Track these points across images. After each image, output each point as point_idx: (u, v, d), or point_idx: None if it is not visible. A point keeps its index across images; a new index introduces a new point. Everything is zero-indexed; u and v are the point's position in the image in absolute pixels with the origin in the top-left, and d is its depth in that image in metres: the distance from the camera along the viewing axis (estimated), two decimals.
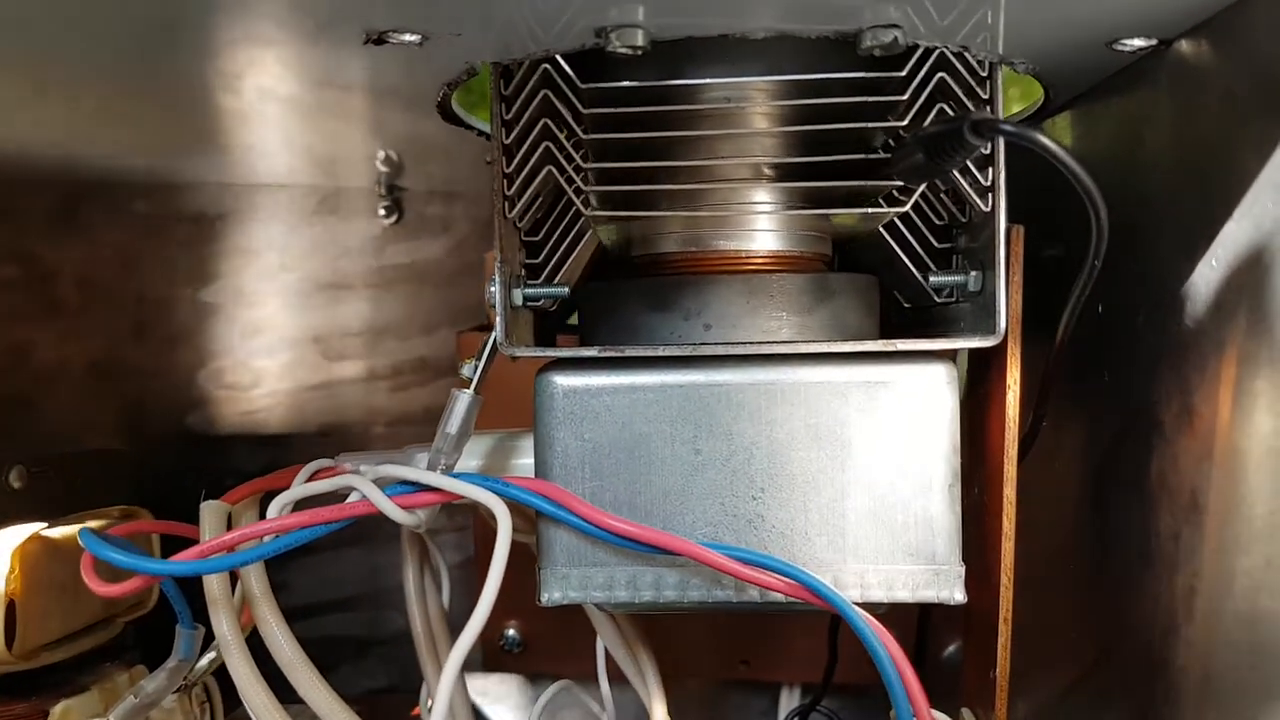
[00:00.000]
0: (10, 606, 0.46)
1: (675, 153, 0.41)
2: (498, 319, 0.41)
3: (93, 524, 0.50)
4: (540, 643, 0.66)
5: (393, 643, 0.73)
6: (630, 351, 0.40)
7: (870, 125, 0.40)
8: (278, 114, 0.54)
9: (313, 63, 0.44)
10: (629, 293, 0.43)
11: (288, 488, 0.44)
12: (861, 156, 0.40)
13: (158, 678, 0.47)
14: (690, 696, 0.66)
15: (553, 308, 0.45)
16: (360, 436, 0.74)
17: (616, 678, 0.52)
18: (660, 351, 0.40)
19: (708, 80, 0.39)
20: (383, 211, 0.73)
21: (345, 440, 0.74)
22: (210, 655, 0.49)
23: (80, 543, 0.40)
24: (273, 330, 0.74)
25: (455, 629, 0.50)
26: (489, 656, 0.67)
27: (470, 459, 0.45)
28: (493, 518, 0.40)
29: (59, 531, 0.50)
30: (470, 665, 0.43)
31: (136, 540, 0.47)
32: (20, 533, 0.48)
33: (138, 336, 0.73)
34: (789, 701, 0.63)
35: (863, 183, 0.40)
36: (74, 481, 0.57)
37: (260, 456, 0.73)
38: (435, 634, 0.54)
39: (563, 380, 0.41)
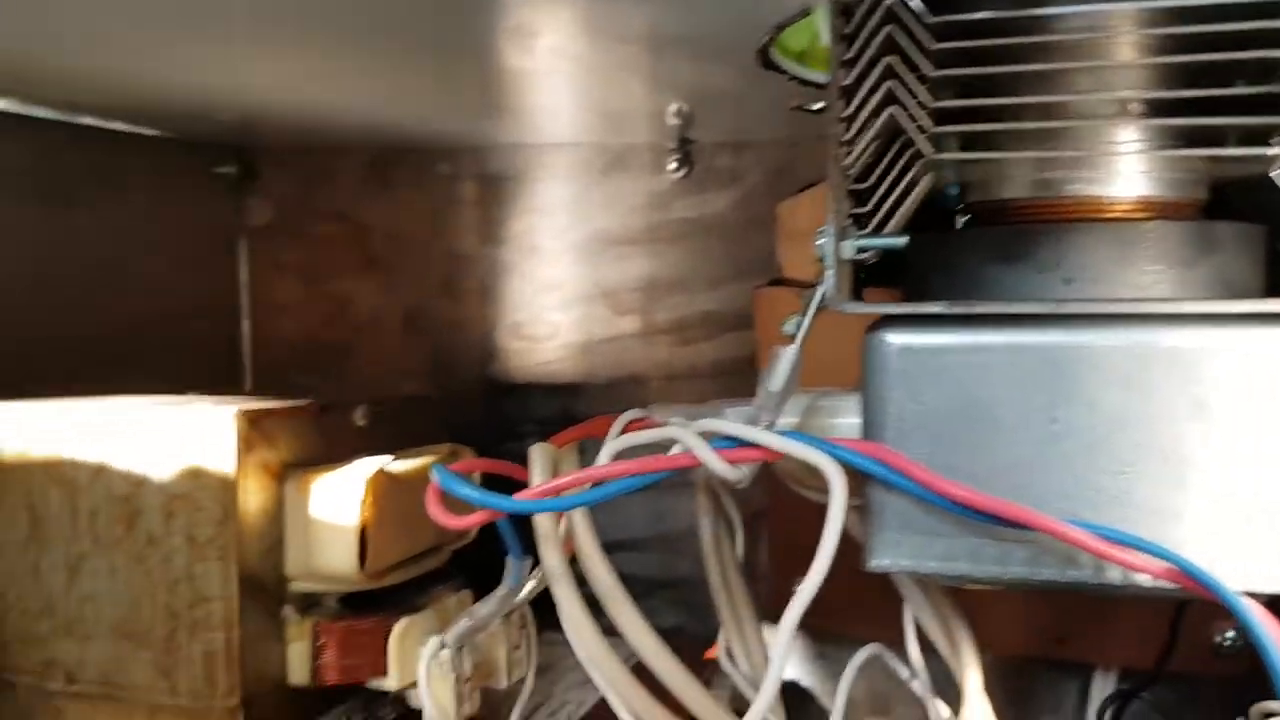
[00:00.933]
0: (363, 531, 0.51)
1: (1032, 88, 0.38)
2: (828, 273, 0.40)
3: (429, 459, 0.54)
4: (829, 601, 0.65)
5: (679, 585, 0.75)
6: (983, 308, 0.37)
7: (1269, 54, 0.34)
8: (569, 72, 0.55)
9: (605, 17, 0.43)
10: (971, 242, 0.40)
11: (602, 435, 0.45)
12: (1262, 90, 0.35)
13: (490, 602, 0.50)
14: (992, 671, 0.63)
15: (875, 260, 0.42)
16: (642, 388, 0.76)
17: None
18: (1020, 308, 0.37)
19: (1085, 7, 0.35)
20: (673, 165, 0.73)
21: (628, 391, 0.76)
22: (530, 584, 0.52)
23: (433, 478, 0.42)
24: (565, 285, 0.77)
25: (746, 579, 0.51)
26: (772, 610, 0.67)
27: (783, 417, 0.45)
28: (811, 487, 0.39)
29: (398, 466, 0.54)
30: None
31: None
32: (370, 465, 0.52)
33: (444, 290, 0.79)
34: (1103, 686, 0.59)
35: (1262, 119, 0.35)
36: (401, 421, 0.62)
37: (552, 404, 0.76)
38: (730, 584, 0.54)
39: (898, 339, 0.39)
